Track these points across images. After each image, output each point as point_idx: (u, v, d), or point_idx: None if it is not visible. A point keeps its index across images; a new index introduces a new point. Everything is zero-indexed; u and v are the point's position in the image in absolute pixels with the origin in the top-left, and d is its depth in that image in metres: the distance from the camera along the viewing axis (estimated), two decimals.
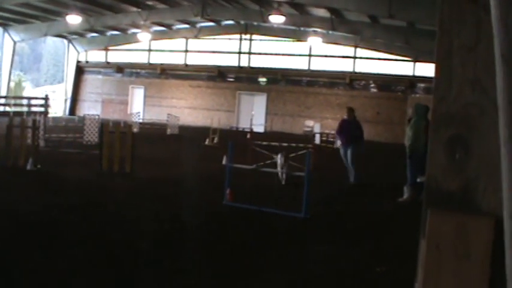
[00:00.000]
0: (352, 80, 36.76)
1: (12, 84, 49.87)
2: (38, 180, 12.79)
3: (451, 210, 1.56)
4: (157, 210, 10.12)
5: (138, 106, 41.62)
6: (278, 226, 9.44)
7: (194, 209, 10.56)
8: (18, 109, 37.44)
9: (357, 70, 36.87)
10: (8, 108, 37.06)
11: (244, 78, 39.75)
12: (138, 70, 42.84)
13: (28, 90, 75.79)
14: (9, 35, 38.68)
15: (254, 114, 37.21)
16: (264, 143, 20.50)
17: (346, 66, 37.11)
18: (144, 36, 37.69)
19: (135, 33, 39.54)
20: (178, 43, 41.70)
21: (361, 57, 36.86)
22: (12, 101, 40.60)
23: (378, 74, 36.17)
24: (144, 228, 8.68)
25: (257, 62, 39.68)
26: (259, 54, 39.61)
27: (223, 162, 11.15)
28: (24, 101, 41.38)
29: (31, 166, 14.03)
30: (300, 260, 7.49)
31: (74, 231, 8.30)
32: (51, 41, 62.02)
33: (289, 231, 9.15)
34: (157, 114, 38.13)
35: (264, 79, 38.98)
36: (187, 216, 9.93)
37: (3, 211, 9.36)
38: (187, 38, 41.22)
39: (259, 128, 35.10)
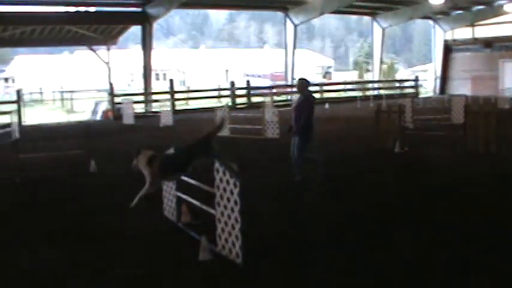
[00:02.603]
0: None
1: (384, 67, 52.62)
2: (404, 162, 13.54)
3: None
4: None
5: (510, 81, 39.64)
6: None
7: None
8: (390, 92, 39.52)
9: None
10: (381, 92, 39.35)
11: None
12: (508, 43, 40.80)
13: (401, 72, 78.70)
14: (377, 22, 41.50)
15: None
16: None
17: None
18: None
19: (501, 5, 37.85)
20: None
21: None
22: (385, 85, 42.97)
23: None
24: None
25: None
26: None
27: None
28: (396, 84, 43.11)
29: (398, 148, 14.88)
30: None
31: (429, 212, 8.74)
32: (420, 21, 62.88)
33: None
34: None
35: None
36: None
37: (371, 193, 10.32)
38: None
39: None
